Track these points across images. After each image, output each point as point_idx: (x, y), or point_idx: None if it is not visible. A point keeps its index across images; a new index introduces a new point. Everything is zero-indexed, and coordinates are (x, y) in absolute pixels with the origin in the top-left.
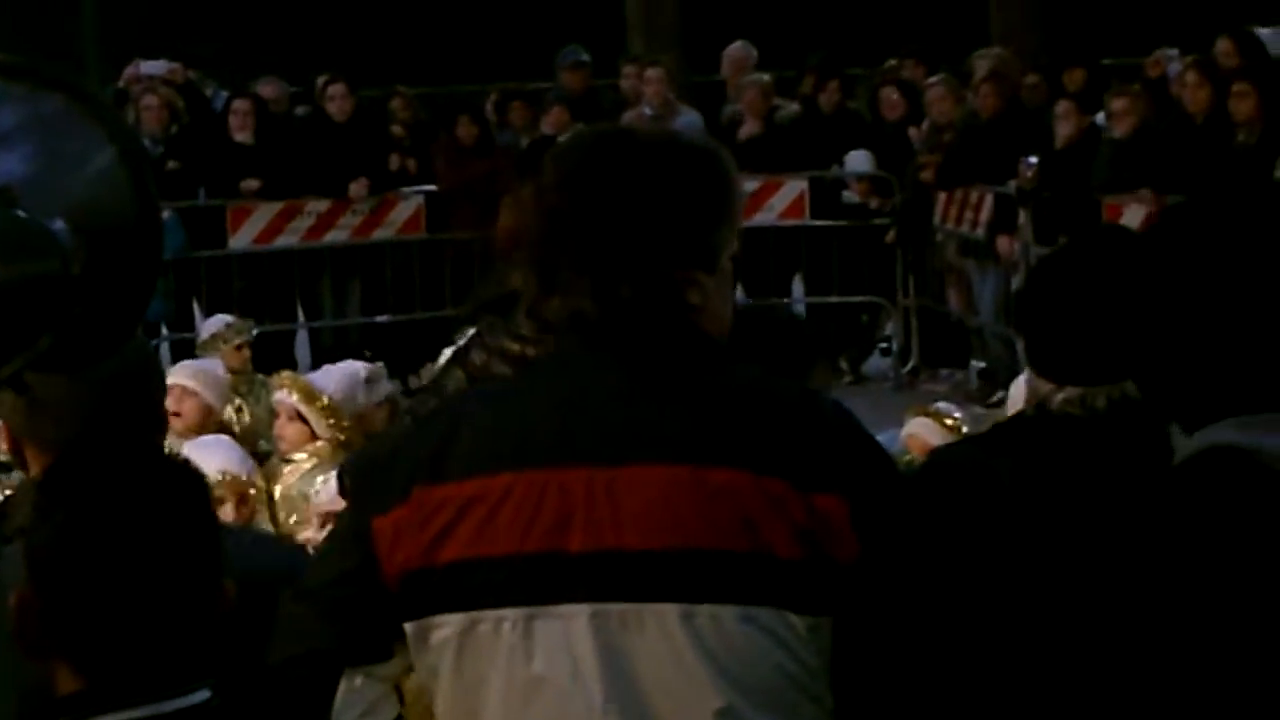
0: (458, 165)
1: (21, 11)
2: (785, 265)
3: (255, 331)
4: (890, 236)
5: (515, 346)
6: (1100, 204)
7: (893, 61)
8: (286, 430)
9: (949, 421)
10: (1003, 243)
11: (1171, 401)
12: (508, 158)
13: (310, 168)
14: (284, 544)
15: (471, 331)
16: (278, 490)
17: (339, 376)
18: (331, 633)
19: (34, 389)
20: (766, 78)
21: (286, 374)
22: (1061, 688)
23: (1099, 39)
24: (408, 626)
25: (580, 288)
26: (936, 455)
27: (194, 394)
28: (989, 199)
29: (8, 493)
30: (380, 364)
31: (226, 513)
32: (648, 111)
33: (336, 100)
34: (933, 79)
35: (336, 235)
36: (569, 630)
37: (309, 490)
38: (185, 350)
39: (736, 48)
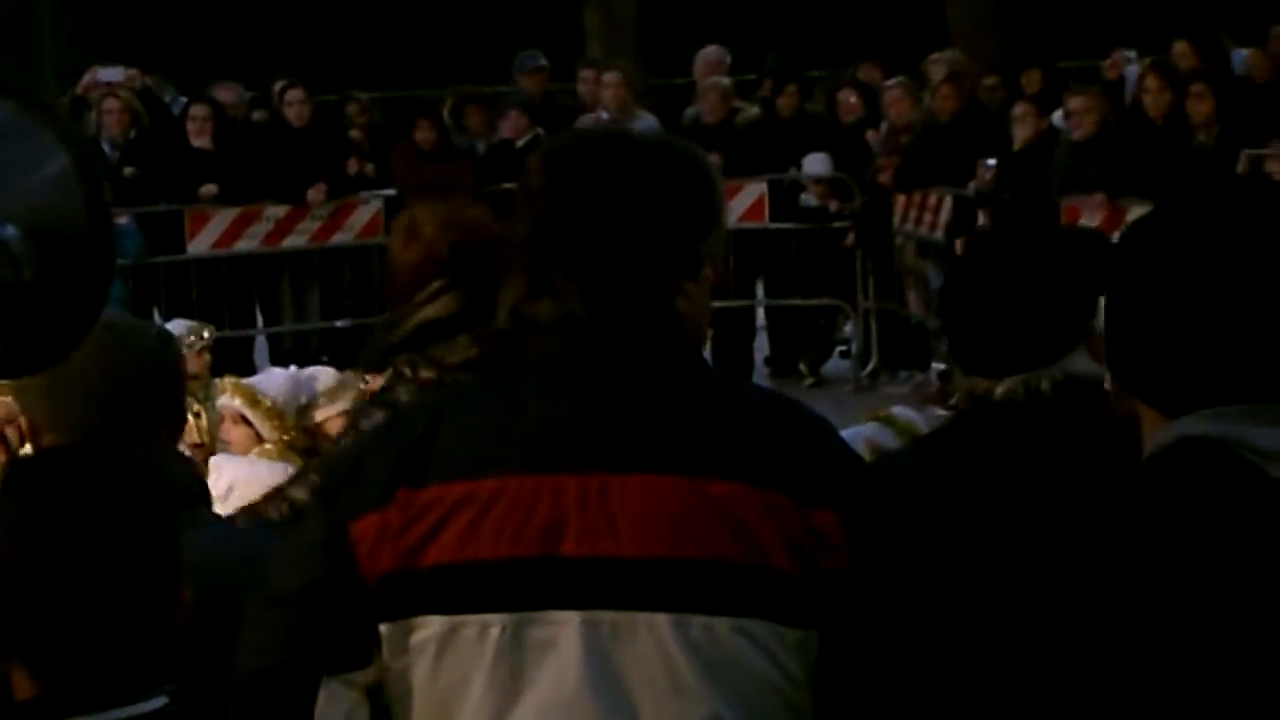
0: (416, 169)
1: None
2: (747, 268)
3: (214, 336)
4: (850, 239)
5: (432, 374)
6: (1059, 206)
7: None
8: (232, 434)
9: (902, 423)
10: (962, 245)
11: (1149, 392)
12: (466, 161)
13: (268, 173)
14: (250, 537)
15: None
16: None
17: (281, 379)
18: (309, 641)
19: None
20: (727, 81)
21: (229, 379)
22: (1039, 691)
23: (1056, 41)
24: (384, 627)
25: (572, 290)
26: (883, 461)
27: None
28: (948, 201)
29: None
30: (349, 372)
31: None
32: (605, 115)
33: (294, 105)
34: (891, 81)
35: (295, 240)
36: (559, 637)
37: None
38: None
39: (711, 51)
